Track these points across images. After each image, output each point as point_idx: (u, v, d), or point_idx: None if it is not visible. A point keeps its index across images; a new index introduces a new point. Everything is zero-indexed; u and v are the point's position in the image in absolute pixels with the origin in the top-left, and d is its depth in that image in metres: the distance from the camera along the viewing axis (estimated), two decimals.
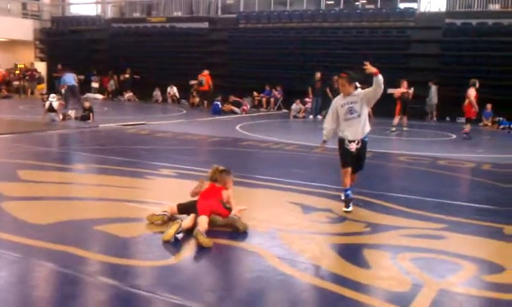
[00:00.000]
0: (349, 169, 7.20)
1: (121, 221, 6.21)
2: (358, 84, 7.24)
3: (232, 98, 23.23)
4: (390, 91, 20.01)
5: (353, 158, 7.18)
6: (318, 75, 21.67)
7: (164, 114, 21.50)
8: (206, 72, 25.13)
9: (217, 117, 20.66)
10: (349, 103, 7.08)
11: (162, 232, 5.69)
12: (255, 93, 25.56)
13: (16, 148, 11.66)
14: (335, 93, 21.66)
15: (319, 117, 21.40)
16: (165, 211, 6.26)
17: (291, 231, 6.09)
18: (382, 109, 20.87)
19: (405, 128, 17.52)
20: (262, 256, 5.24)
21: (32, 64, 31.67)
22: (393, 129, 17.22)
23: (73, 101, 20.33)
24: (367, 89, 7.09)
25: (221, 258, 5.33)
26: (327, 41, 24.86)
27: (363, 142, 7.21)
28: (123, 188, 8.02)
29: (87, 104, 17.45)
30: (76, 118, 17.07)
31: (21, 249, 5.18)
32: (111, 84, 29.03)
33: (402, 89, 17.77)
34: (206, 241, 5.46)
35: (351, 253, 5.42)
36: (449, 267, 5.19)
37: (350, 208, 7.00)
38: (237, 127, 16.99)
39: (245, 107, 23.28)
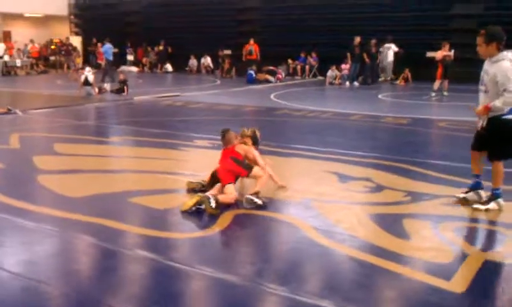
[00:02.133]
0: (475, 152, 5.93)
1: (157, 193, 6.20)
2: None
3: (266, 66, 22.96)
4: (430, 54, 19.42)
5: (477, 139, 5.89)
6: (357, 39, 21.08)
7: (198, 84, 21.44)
8: (252, 41, 24.94)
9: (252, 86, 20.47)
10: (484, 71, 5.72)
11: (196, 203, 5.64)
12: (290, 61, 25.20)
13: (53, 122, 11.80)
14: (372, 58, 21.30)
15: (356, 83, 20.98)
16: (203, 180, 6.23)
17: (327, 201, 5.96)
18: (422, 73, 20.50)
19: (445, 93, 16.96)
20: (298, 227, 5.14)
21: (67, 38, 31.95)
22: (434, 94, 16.71)
23: (110, 73, 20.54)
24: (497, 80, 5.45)
25: (256, 229, 5.25)
26: (362, 4, 24.16)
27: (491, 122, 5.62)
28: (158, 160, 8.01)
29: (121, 77, 17.52)
30: (112, 91, 17.16)
31: (58, 223, 5.22)
32: (150, 56, 28.98)
33: (444, 52, 17.14)
34: (211, 210, 5.41)
35: (390, 223, 5.26)
36: (495, 237, 4.99)
37: (489, 205, 5.67)
38: (272, 96, 16.79)
39: (280, 76, 22.99)
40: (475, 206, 5.71)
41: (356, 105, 14.62)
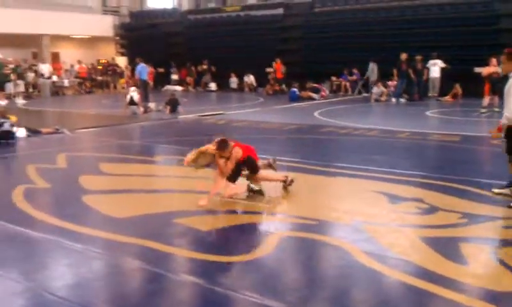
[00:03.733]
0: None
1: (202, 214, 6.09)
2: None
3: (310, 84, 22.79)
4: (477, 70, 18.85)
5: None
6: (404, 55, 20.67)
7: (241, 102, 21.44)
8: (278, 60, 25.47)
9: (295, 104, 20.32)
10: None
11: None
12: (333, 78, 24.96)
13: (99, 142, 11.94)
14: (418, 74, 20.86)
15: (402, 100, 20.54)
16: None
17: (378, 223, 5.71)
18: (471, 89, 19.92)
19: (496, 109, 16.33)
20: (348, 251, 4.92)
21: (113, 59, 32.68)
22: (484, 110, 16.15)
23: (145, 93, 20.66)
24: (509, 92, 6.38)
25: (304, 253, 5.05)
26: (407, 21, 23.80)
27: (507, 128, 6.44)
28: (203, 180, 7.91)
29: (172, 96, 17.73)
30: (159, 110, 17.34)
31: (104, 244, 5.18)
32: (205, 77, 29.07)
33: (491, 68, 16.59)
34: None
35: (445, 247, 4.97)
36: None
37: None
38: (316, 113, 16.59)
39: (323, 93, 22.77)
40: (493, 189, 6.50)
41: (404, 122, 14.26)
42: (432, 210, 6.17)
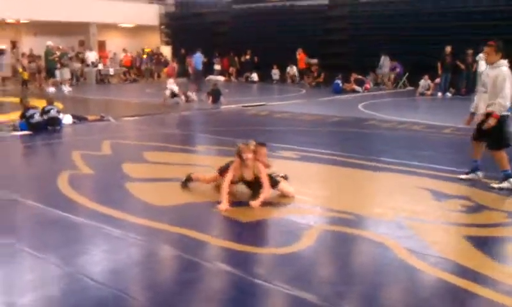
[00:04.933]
0: (476, 142, 7.17)
1: (242, 205, 6.07)
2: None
3: (354, 76, 22.47)
4: None
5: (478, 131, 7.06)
6: (448, 48, 20.15)
7: (284, 94, 21.33)
8: (300, 50, 25.96)
9: (338, 96, 20.09)
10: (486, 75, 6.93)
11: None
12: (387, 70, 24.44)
13: (143, 130, 12.10)
14: (468, 68, 20.25)
15: (448, 94, 20.03)
16: None
17: (421, 220, 5.58)
18: None
19: None
20: (389, 247, 4.82)
21: (158, 48, 32.99)
22: None
23: (198, 82, 20.86)
24: (496, 83, 6.69)
25: (343, 247, 4.97)
26: (455, 13, 23.14)
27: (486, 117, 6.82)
28: None
29: (214, 86, 17.80)
30: (201, 100, 17.43)
31: (142, 231, 5.23)
32: (236, 65, 29.12)
33: None
34: None
35: (491, 247, 4.84)
36: None
37: (502, 184, 6.74)
38: (359, 106, 16.34)
39: (367, 85, 22.41)
40: (492, 184, 6.72)
41: (450, 117, 13.85)
42: (478, 208, 5.99)
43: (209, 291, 4.08)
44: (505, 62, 6.78)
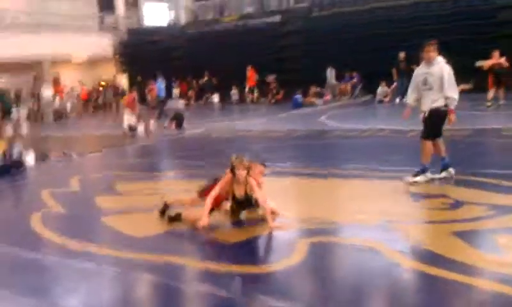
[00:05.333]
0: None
1: (223, 227, 6.00)
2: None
3: (313, 89, 22.73)
4: (479, 63, 18.70)
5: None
6: (402, 55, 20.65)
7: (245, 113, 21.38)
8: (249, 67, 26.47)
9: (299, 111, 20.25)
10: (425, 74, 7.20)
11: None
12: (335, 82, 24.84)
13: (109, 163, 11.88)
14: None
15: (397, 100, 20.47)
16: None
17: (406, 221, 5.63)
18: (478, 84, 19.80)
19: (501, 102, 16.21)
20: (380, 252, 4.83)
21: (114, 77, 32.62)
22: (489, 104, 16.01)
23: (160, 109, 20.68)
24: (444, 77, 7.02)
25: (336, 257, 4.97)
26: (403, 19, 23.74)
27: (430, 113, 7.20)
28: None
29: (177, 111, 17.69)
30: (164, 127, 17.26)
31: (128, 264, 5.08)
32: (194, 88, 29.15)
33: (492, 61, 16.47)
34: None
35: (481, 240, 4.90)
36: None
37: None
38: (322, 118, 16.50)
39: (327, 98, 22.71)
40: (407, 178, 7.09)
41: (412, 121, 14.11)
42: (458, 204, 6.09)
43: None
44: (442, 59, 7.19)
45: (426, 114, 7.18)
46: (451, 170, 7.29)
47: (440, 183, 7.10)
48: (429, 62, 7.15)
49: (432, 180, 7.19)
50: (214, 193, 5.95)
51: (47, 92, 26.81)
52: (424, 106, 7.24)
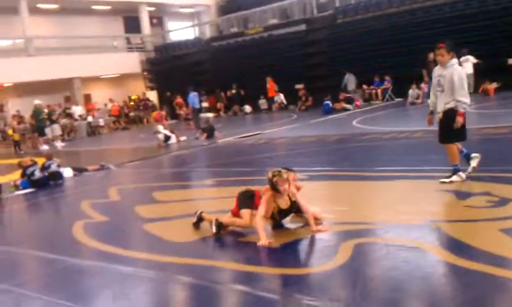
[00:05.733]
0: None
1: (266, 230, 5.96)
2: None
3: (343, 94, 22.64)
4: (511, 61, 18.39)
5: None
6: (431, 55, 20.31)
7: (276, 121, 21.38)
8: (269, 78, 26.77)
9: (330, 116, 20.17)
10: (439, 76, 7.18)
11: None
12: (365, 86, 24.71)
13: (145, 173, 12.00)
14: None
15: None
16: None
17: (451, 220, 5.53)
18: (509, 82, 19.50)
19: None
20: (428, 251, 4.74)
21: (144, 94, 33.13)
22: None
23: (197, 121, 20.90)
24: (454, 80, 6.98)
25: (382, 257, 4.88)
26: (432, 20, 23.52)
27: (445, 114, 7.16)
28: None
29: (208, 123, 17.91)
30: (196, 138, 17.45)
31: (176, 269, 5.11)
32: (222, 100, 29.43)
33: None
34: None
35: None
36: None
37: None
38: (354, 123, 16.40)
39: (357, 103, 22.55)
40: (442, 180, 7.00)
41: None
42: (504, 201, 5.94)
43: None
44: (456, 61, 7.18)
45: (441, 116, 7.21)
46: (461, 174, 7.13)
47: (480, 182, 6.94)
48: (443, 64, 7.14)
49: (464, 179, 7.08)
50: (261, 212, 5.70)
51: (78, 110, 27.35)
52: (439, 107, 7.27)
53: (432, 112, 7.55)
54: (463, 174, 7.07)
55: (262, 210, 5.70)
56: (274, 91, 27.06)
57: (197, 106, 22.09)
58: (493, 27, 21.31)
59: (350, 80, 23.96)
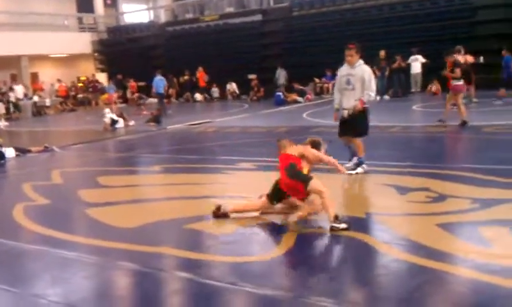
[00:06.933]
0: (343, 138, 7.97)
1: (211, 218, 5.98)
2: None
3: (296, 86, 22.80)
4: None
5: (343, 127, 7.85)
6: (382, 53, 20.86)
7: (227, 110, 21.36)
8: (200, 68, 26.91)
9: (281, 108, 20.31)
10: (348, 75, 7.65)
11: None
12: (317, 80, 24.95)
13: (91, 156, 11.77)
14: (398, 71, 20.97)
15: (386, 97, 20.67)
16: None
17: (391, 214, 5.69)
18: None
19: (474, 100, 16.39)
20: (367, 243, 4.88)
21: (93, 75, 32.38)
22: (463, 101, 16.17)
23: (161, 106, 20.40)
24: (365, 78, 7.53)
25: (322, 247, 5.00)
26: (385, 19, 24.05)
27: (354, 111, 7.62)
28: (207, 185, 7.88)
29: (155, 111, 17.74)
30: (148, 121, 17.27)
31: (120, 255, 5.05)
32: (175, 87, 29.13)
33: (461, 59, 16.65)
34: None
35: (466, 232, 4.98)
36: None
37: (358, 169, 7.59)
38: (304, 115, 16.58)
39: (309, 96, 22.78)
40: (349, 172, 7.35)
41: (393, 117, 14.32)
42: (442, 198, 6.16)
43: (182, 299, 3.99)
44: (362, 61, 7.67)
45: (350, 112, 7.60)
46: (365, 166, 7.67)
47: (422, 178, 7.17)
48: (352, 64, 7.58)
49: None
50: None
51: (19, 89, 26.47)
52: (347, 104, 7.64)
53: (337, 110, 7.91)
54: (365, 167, 7.60)
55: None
56: (204, 82, 27.18)
57: (161, 91, 21.40)
58: (441, 29, 21.95)
59: (281, 74, 24.20)
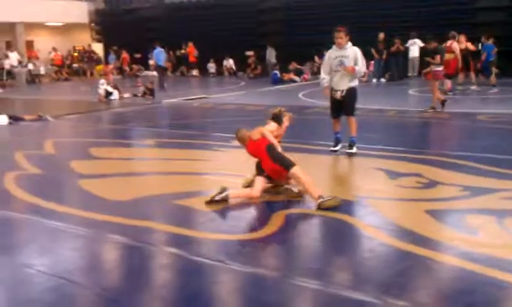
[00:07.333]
0: (336, 119, 8.12)
1: (203, 194, 5.99)
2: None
3: (294, 65, 22.69)
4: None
5: (336, 108, 8.03)
6: (381, 35, 20.74)
7: (224, 86, 21.29)
8: (190, 44, 26.99)
9: (278, 86, 20.26)
10: (341, 57, 7.79)
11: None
12: (316, 58, 24.79)
13: (85, 127, 11.74)
14: (396, 54, 20.87)
15: (383, 80, 20.63)
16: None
17: (381, 198, 5.72)
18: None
19: (473, 87, 16.41)
20: (354, 225, 4.93)
21: (89, 46, 32.09)
22: (460, 88, 16.23)
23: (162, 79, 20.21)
24: (358, 57, 7.78)
25: (310, 229, 5.04)
26: (386, 1, 23.87)
27: (348, 91, 7.85)
28: (199, 161, 7.90)
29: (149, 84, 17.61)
30: (135, 95, 17.18)
31: (110, 228, 5.06)
32: (171, 60, 28.89)
33: (461, 45, 16.61)
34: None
35: (454, 220, 5.01)
36: None
37: (353, 149, 7.78)
38: (300, 95, 16.55)
39: (306, 76, 22.72)
40: (348, 150, 7.71)
41: (389, 101, 14.33)
42: (433, 184, 6.19)
43: (187, 280, 4.02)
44: (350, 43, 7.92)
45: (344, 93, 7.80)
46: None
47: (414, 163, 7.20)
48: (341, 46, 7.80)
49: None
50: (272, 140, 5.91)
51: (13, 56, 26.20)
52: (340, 86, 7.82)
53: (327, 87, 8.06)
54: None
55: (271, 139, 5.90)
56: (194, 57, 27.12)
57: (161, 63, 21.07)
58: (441, 13, 21.81)
59: (271, 54, 24.24)
